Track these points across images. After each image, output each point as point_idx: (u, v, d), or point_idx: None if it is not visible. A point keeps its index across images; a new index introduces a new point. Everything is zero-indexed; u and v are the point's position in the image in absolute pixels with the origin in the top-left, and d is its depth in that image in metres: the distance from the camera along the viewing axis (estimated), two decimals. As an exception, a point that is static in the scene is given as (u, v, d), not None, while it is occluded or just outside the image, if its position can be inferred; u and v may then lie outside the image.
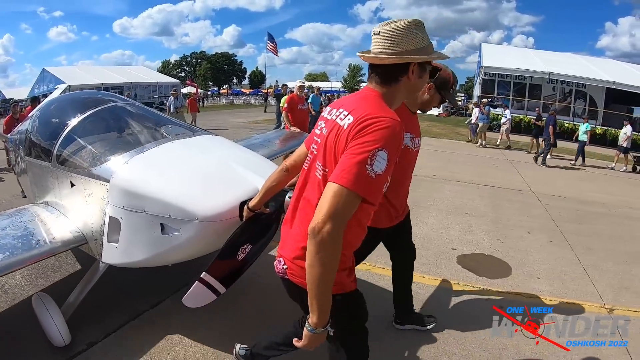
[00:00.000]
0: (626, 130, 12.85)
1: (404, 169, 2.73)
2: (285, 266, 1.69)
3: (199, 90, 29.06)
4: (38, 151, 3.64)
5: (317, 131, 1.70)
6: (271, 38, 41.92)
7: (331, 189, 1.43)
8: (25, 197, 4.97)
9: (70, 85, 11.73)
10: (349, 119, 1.54)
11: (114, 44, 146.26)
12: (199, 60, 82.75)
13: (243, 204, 2.35)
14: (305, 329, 1.54)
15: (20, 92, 40.32)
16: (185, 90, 34.36)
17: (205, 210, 2.38)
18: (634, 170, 12.93)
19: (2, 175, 8.09)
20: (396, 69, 1.63)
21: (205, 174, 2.72)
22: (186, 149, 3.06)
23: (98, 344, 2.91)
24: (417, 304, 3.47)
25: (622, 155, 13.00)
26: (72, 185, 3.09)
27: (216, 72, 79.59)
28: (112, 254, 2.82)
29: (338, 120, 1.58)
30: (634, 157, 13.14)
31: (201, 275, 2.27)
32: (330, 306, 1.51)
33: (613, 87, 23.97)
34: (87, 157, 3.05)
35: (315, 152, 1.66)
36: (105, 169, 2.76)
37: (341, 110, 1.61)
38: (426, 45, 1.64)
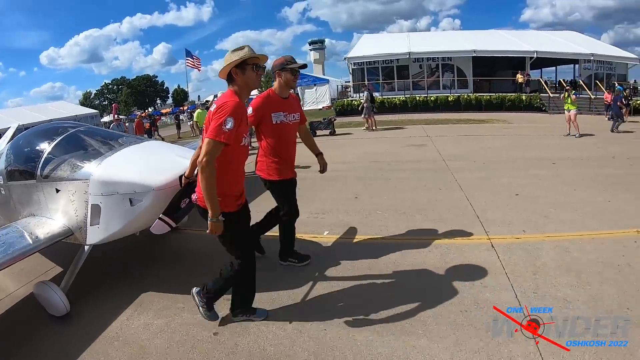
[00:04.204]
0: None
1: (286, 134, 4.15)
2: (196, 197, 3.15)
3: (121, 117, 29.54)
4: (20, 175, 4.74)
5: None
6: (189, 54, 41.83)
7: (205, 140, 2.86)
8: None
9: (20, 125, 12.49)
10: (213, 106, 3.01)
11: (43, 77, 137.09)
12: (120, 87, 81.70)
13: (181, 176, 3.72)
14: (208, 221, 2.92)
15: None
16: (107, 118, 34.27)
17: (158, 182, 3.74)
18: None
19: None
20: (229, 75, 3.09)
21: (154, 162, 4.08)
22: (138, 150, 4.44)
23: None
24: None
25: None
26: (58, 191, 4.26)
27: (138, 95, 78.70)
28: (94, 235, 4.06)
29: (212, 109, 3.03)
30: None
31: (159, 216, 3.71)
32: (216, 206, 2.89)
33: (474, 55, 26.85)
34: (67, 168, 4.26)
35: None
36: (85, 172, 4.04)
37: (214, 104, 3.05)
38: (240, 57, 3.02)
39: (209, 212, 2.92)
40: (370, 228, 5.47)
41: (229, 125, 2.86)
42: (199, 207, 3.15)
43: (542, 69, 34.80)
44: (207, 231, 2.98)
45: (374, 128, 17.19)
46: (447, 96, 25.76)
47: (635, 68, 29.34)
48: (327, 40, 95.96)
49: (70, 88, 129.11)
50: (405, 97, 26.56)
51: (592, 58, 26.76)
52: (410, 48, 28.40)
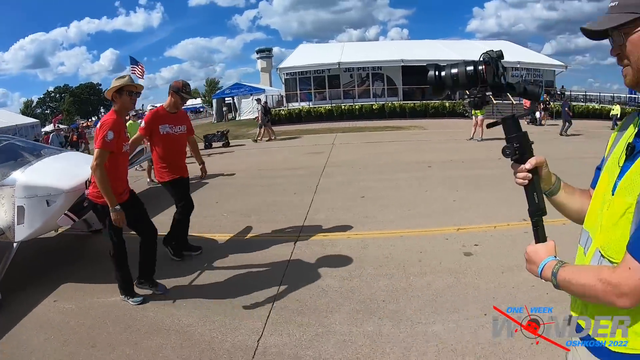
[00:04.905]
0: None
1: (172, 143, 5.02)
2: (88, 192, 4.19)
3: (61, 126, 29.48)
4: None
5: None
6: (134, 61, 41.90)
7: (95, 150, 3.84)
8: None
9: None
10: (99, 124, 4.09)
11: None
12: (63, 95, 79.60)
13: (87, 181, 4.66)
14: (110, 212, 3.84)
15: None
16: (48, 128, 34.16)
17: (67, 186, 4.69)
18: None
19: None
20: (112, 99, 4.06)
21: (66, 169, 5.00)
22: (56, 159, 5.42)
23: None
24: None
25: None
26: None
27: (81, 104, 76.95)
28: (21, 232, 4.91)
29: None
30: None
31: (65, 212, 4.75)
32: (112, 198, 3.79)
33: (402, 64, 28.23)
34: None
35: None
36: (11, 179, 4.98)
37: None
38: (119, 84, 3.95)
39: (108, 204, 3.86)
40: (204, 227, 6.36)
41: (110, 137, 3.87)
42: (90, 201, 4.20)
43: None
44: (112, 220, 3.93)
45: (272, 138, 18.64)
46: (372, 104, 27.12)
47: (561, 75, 31.89)
48: (276, 49, 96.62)
49: (14, 95, 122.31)
50: (331, 106, 27.62)
51: (518, 66, 28.52)
52: (342, 58, 29.56)
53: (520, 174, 1.37)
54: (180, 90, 5.05)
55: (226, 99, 38.12)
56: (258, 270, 4.98)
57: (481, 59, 1.35)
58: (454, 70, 1.36)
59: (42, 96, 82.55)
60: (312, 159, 12.37)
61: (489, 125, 1.44)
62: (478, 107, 1.42)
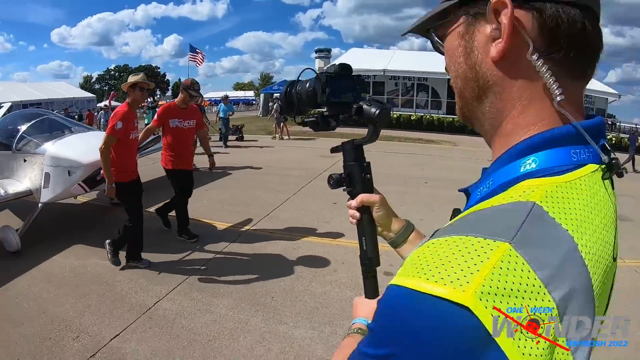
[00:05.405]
0: None
1: (181, 135, 5.69)
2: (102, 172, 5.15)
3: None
4: (2, 146, 6.69)
5: None
6: (193, 50, 42.90)
7: (105, 135, 4.93)
8: None
9: (12, 104, 14.26)
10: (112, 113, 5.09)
11: (52, 54, 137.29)
12: (122, 74, 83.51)
13: None
14: (106, 186, 4.95)
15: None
16: (103, 104, 36.14)
17: (86, 160, 5.69)
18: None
19: None
20: (127, 92, 4.99)
21: (88, 146, 5.78)
22: (82, 137, 6.45)
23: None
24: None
25: None
26: (25, 161, 6.28)
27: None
28: (45, 195, 5.97)
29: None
30: None
31: (78, 182, 5.73)
32: (110, 177, 4.82)
33: (448, 77, 27.21)
34: (33, 145, 6.29)
35: None
36: (42, 148, 6.06)
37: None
38: (133, 81, 4.87)
39: (106, 179, 4.87)
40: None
41: (118, 126, 4.80)
42: (102, 179, 5.13)
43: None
44: (105, 194, 5.05)
45: (285, 137, 19.38)
46: (410, 115, 26.89)
47: (614, 103, 29.75)
48: (336, 50, 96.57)
49: (78, 68, 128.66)
50: None
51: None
52: (388, 66, 29.25)
53: (349, 211, 1.15)
54: (189, 88, 5.70)
55: (274, 94, 38.97)
56: (195, 252, 5.83)
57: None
58: (299, 87, 1.14)
59: (102, 73, 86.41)
60: (321, 161, 12.59)
61: (332, 150, 1.21)
62: (322, 128, 1.13)
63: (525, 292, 0.51)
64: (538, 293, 0.52)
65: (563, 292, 0.53)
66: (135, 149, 5.31)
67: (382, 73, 28.95)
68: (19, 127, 6.66)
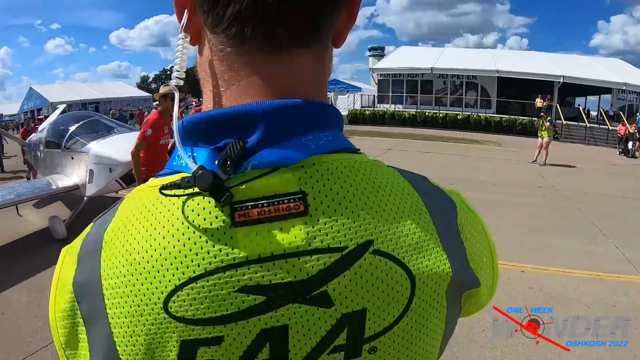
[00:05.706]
0: None
1: None
2: None
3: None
4: (53, 145, 7.24)
5: None
6: None
7: (136, 141, 5.26)
8: (28, 178, 9.20)
9: (67, 106, 15.26)
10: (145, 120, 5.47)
11: (111, 55, 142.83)
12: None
13: None
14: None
15: (12, 108, 44.08)
16: (155, 103, 37.47)
17: (125, 159, 5.90)
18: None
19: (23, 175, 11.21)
20: (159, 101, 5.43)
21: (129, 146, 5.91)
22: (124, 137, 6.73)
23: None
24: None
25: None
26: (72, 158, 6.71)
27: (196, 84, 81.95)
28: (90, 190, 6.37)
29: None
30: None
31: (116, 179, 6.12)
32: (140, 178, 5.14)
33: (497, 75, 26.11)
34: (80, 144, 6.69)
35: None
36: (88, 147, 6.43)
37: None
38: (164, 91, 5.28)
39: (137, 181, 5.22)
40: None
41: (148, 133, 5.15)
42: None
43: (587, 96, 32.97)
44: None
45: None
46: (457, 114, 26.04)
47: None
48: (391, 48, 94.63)
49: (137, 69, 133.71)
50: (415, 112, 26.90)
51: (624, 87, 25.02)
52: (437, 64, 28.43)
53: None
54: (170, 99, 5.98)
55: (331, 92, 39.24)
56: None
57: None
58: None
59: (158, 72, 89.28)
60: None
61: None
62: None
63: None
64: None
65: None
66: (164, 153, 5.58)
67: (430, 71, 28.22)
68: (68, 128, 7.10)
